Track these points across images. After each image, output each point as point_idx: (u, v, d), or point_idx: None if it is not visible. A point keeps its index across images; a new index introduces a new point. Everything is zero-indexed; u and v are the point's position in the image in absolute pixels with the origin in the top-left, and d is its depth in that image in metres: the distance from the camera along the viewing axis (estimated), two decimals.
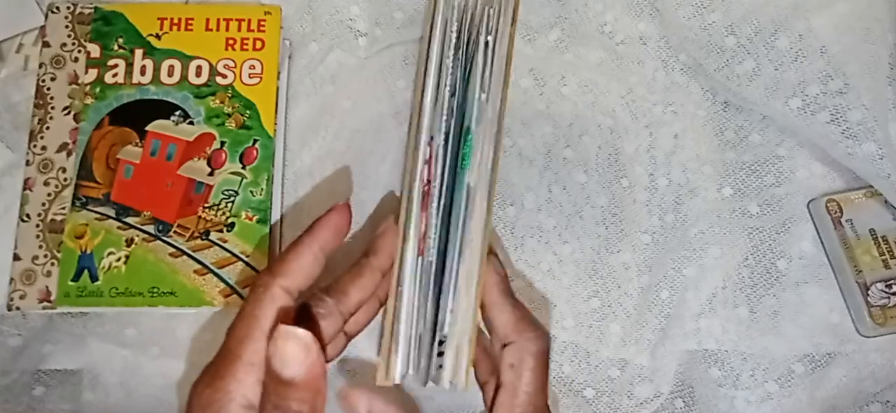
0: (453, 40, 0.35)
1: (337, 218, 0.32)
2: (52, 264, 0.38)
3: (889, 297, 0.39)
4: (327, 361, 0.31)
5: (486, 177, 0.33)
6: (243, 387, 0.28)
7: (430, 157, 0.34)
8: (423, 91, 0.36)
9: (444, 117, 0.34)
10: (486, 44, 0.34)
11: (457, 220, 0.32)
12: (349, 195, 0.42)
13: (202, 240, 0.39)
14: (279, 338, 0.26)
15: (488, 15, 0.35)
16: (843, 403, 0.39)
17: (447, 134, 0.34)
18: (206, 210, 0.40)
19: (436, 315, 0.32)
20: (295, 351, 0.26)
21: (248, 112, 0.41)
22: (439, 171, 0.34)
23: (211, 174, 0.40)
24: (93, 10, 0.42)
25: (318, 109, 0.43)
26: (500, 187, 0.42)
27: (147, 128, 0.40)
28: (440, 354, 0.31)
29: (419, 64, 0.43)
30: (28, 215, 0.39)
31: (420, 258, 0.33)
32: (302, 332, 0.26)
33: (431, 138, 0.35)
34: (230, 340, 0.29)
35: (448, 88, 0.35)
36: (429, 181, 0.34)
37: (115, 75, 0.41)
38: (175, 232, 0.39)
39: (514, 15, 0.34)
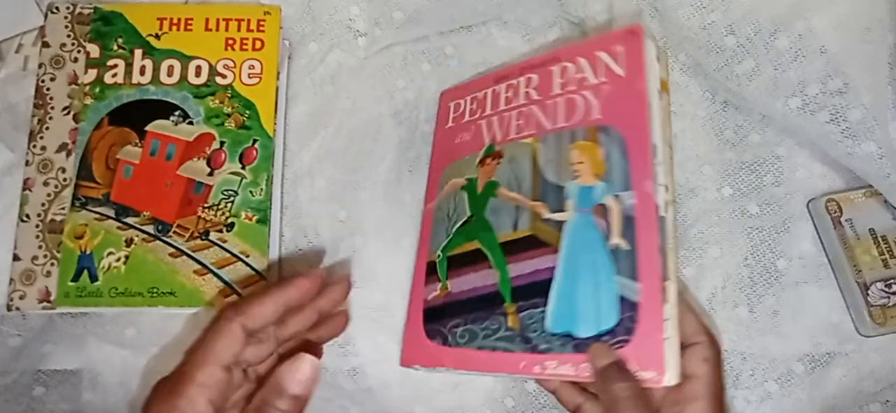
0: None
1: (309, 285, 0.35)
2: (52, 264, 0.38)
3: (889, 297, 0.38)
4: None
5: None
6: (194, 405, 0.31)
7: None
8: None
9: None
10: None
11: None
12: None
13: (202, 240, 0.39)
14: (297, 361, 0.32)
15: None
16: (843, 403, 0.39)
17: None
18: (206, 210, 0.40)
19: None
20: (307, 371, 0.32)
21: (247, 112, 0.41)
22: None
23: (210, 174, 0.40)
24: (92, 10, 0.42)
25: (317, 109, 0.43)
26: None
27: (147, 128, 0.40)
28: None
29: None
30: (28, 215, 0.39)
31: None
32: (317, 361, 0.32)
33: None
34: (188, 363, 0.32)
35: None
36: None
37: (114, 75, 0.41)
38: (175, 232, 0.39)
39: (663, 85, 0.35)
